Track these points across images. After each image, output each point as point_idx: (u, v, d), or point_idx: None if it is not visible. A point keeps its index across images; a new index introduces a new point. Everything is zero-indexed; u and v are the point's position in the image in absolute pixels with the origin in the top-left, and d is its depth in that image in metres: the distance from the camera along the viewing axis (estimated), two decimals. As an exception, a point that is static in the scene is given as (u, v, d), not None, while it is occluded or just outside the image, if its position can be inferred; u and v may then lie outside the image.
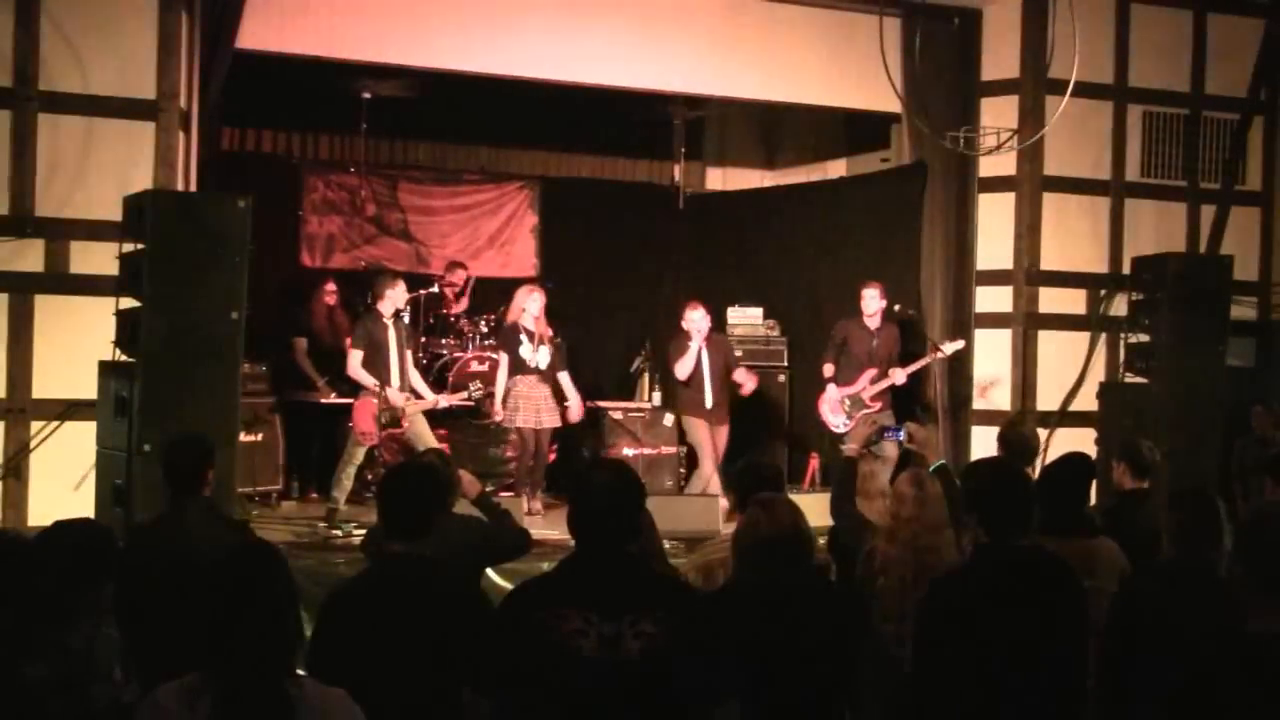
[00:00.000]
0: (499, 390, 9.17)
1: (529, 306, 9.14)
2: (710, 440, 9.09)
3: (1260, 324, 10.32)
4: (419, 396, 8.78)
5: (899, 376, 9.12)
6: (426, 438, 8.51)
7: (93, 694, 2.87)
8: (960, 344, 9.32)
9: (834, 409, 9.22)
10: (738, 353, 9.89)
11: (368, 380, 8.39)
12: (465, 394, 9.33)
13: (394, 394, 8.42)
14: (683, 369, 9.05)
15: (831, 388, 9.26)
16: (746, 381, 9.22)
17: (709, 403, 9.07)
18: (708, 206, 12.88)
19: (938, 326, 9.92)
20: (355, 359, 8.44)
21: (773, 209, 11.95)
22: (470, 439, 10.17)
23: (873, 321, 9.24)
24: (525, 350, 9.11)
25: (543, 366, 9.13)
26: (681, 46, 9.60)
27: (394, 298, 8.64)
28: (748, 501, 4.14)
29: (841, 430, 9.13)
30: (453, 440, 9.94)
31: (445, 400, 9.04)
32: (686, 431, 9.45)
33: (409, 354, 8.83)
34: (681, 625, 3.09)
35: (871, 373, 9.18)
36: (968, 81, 9.99)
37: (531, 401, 9.09)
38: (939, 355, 9.25)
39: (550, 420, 9.19)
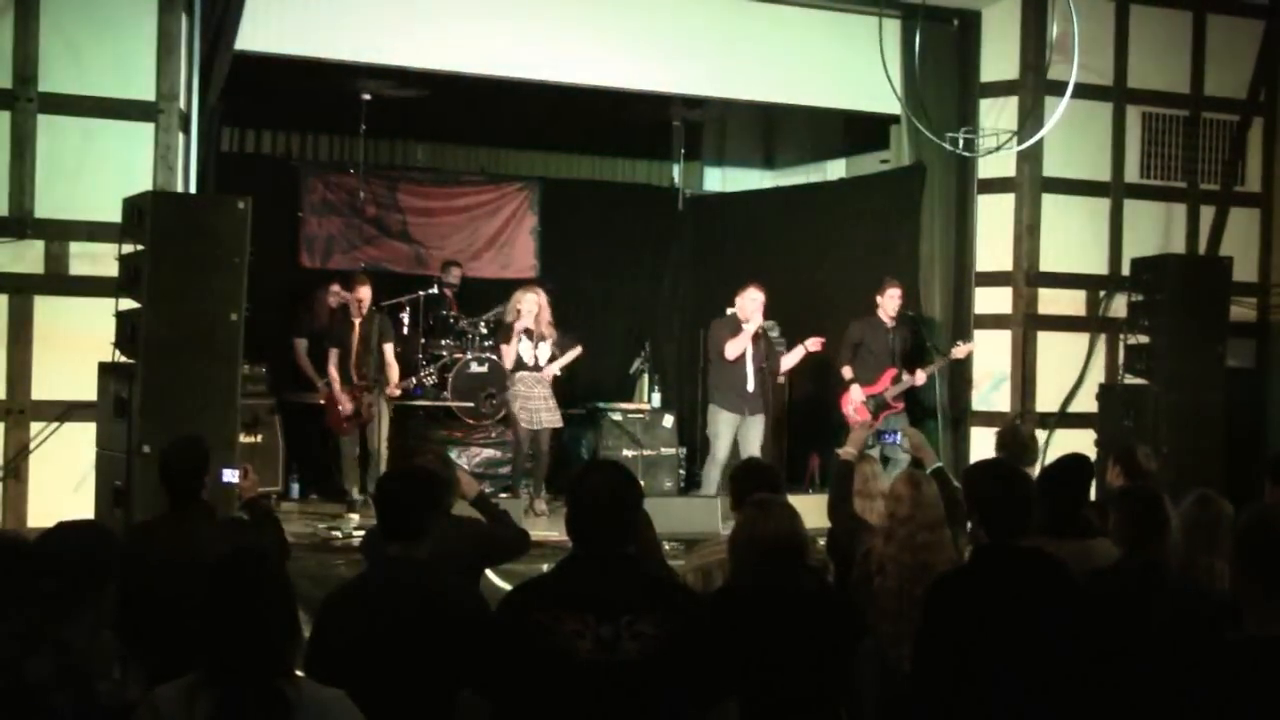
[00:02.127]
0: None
1: (525, 305, 9.18)
2: (731, 437, 8.93)
3: (1259, 325, 10.32)
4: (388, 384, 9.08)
5: (920, 378, 9.19)
6: (380, 433, 8.82)
7: (98, 691, 2.88)
8: (972, 345, 9.36)
9: (858, 409, 9.18)
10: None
11: (333, 378, 9.07)
12: (420, 376, 9.44)
13: (343, 399, 9.01)
14: (735, 348, 8.90)
15: (855, 388, 9.22)
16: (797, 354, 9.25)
17: (750, 386, 8.96)
18: (707, 207, 12.90)
19: (937, 327, 9.92)
20: (330, 358, 9.16)
21: (772, 210, 11.96)
22: (470, 440, 10.20)
23: (889, 320, 9.26)
24: (524, 348, 9.15)
25: (543, 365, 9.17)
26: (681, 47, 9.60)
27: (353, 298, 9.13)
28: (744, 502, 4.14)
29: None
30: (456, 440, 10.04)
31: (395, 390, 9.14)
32: (709, 422, 9.16)
33: (387, 346, 9.11)
34: (678, 627, 3.08)
35: (893, 373, 9.22)
36: (967, 83, 9.99)
37: (530, 401, 9.12)
38: (954, 356, 9.28)
39: (550, 420, 9.21)
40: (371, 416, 8.89)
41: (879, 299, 9.27)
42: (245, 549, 2.99)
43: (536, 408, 9.12)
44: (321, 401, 9.74)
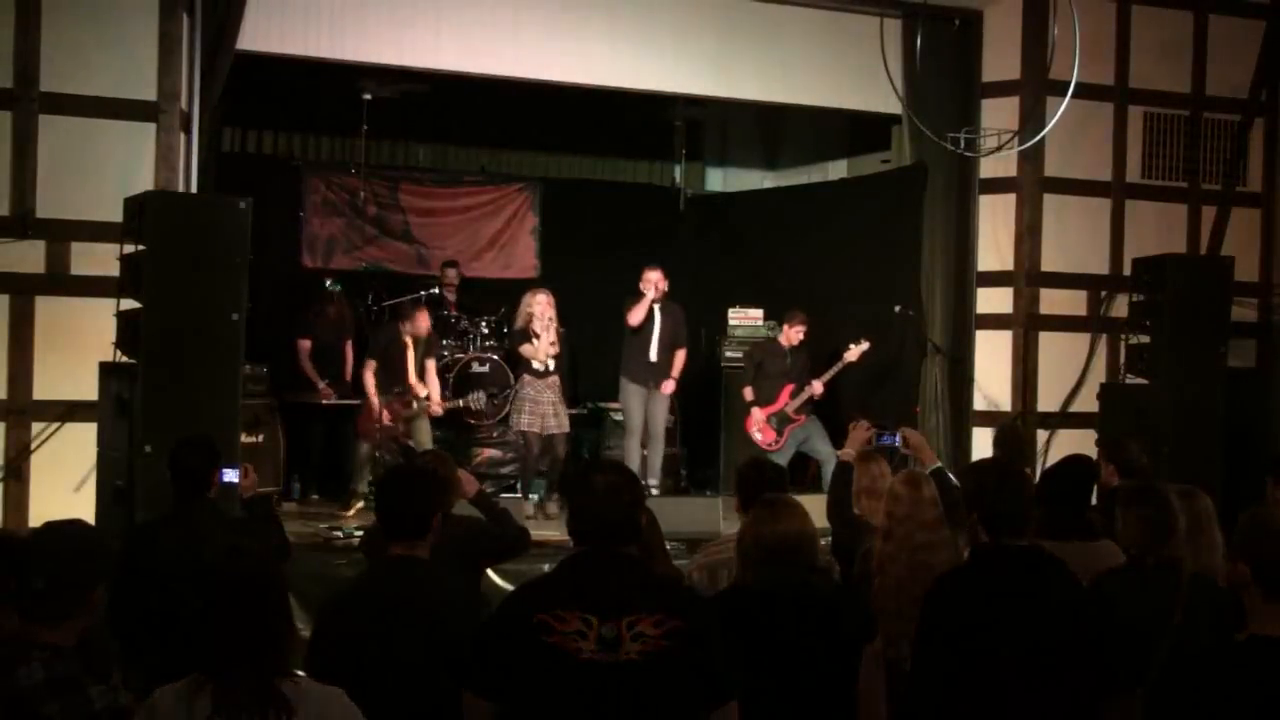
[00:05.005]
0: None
1: (536, 309, 9.14)
2: (642, 410, 9.27)
3: (1261, 325, 10.31)
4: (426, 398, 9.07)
5: (818, 387, 9.40)
6: (425, 442, 8.64)
7: (90, 696, 2.87)
8: (865, 345, 9.40)
9: (762, 429, 9.43)
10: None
11: (370, 390, 8.97)
12: (460, 401, 9.38)
13: (382, 412, 8.91)
14: (635, 315, 9.26)
15: (755, 411, 9.46)
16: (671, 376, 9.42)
17: (653, 356, 9.28)
18: (708, 208, 12.88)
19: (938, 327, 9.93)
20: (368, 370, 9.05)
21: (773, 210, 11.96)
22: (464, 440, 10.18)
23: (786, 345, 9.51)
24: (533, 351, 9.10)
25: (551, 367, 9.13)
26: (681, 47, 9.60)
27: (412, 329, 9.14)
28: (752, 502, 4.13)
29: (773, 449, 9.25)
30: (448, 441, 10.00)
31: (438, 408, 9.10)
32: (621, 395, 9.56)
33: (430, 362, 9.25)
34: (681, 628, 3.08)
35: (790, 388, 9.41)
36: (968, 83, 9.98)
37: (540, 406, 9.05)
38: (847, 359, 9.36)
39: (558, 425, 9.13)
40: (407, 430, 8.96)
41: (785, 327, 9.53)
42: (239, 549, 2.98)
43: (546, 413, 9.06)
44: (324, 402, 9.76)
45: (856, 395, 9.78)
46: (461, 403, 9.41)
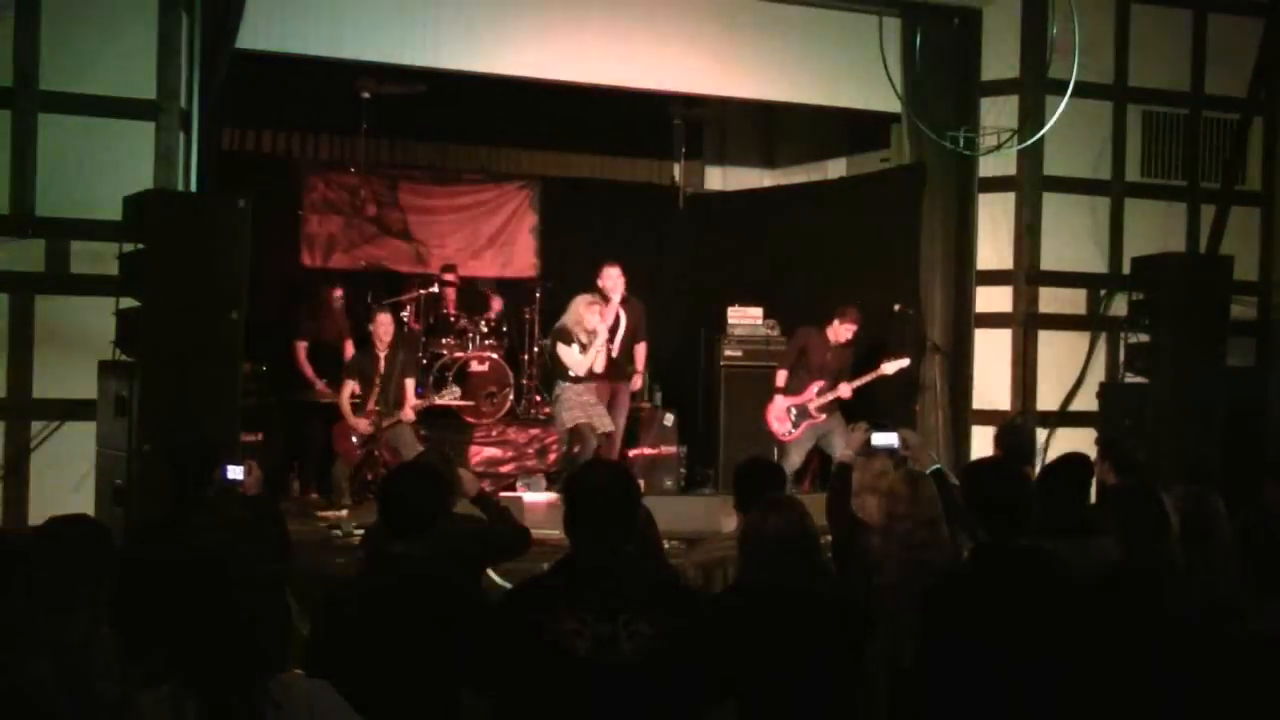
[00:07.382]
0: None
1: (588, 320, 8.86)
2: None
3: (1260, 324, 10.31)
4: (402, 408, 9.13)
5: (846, 390, 9.21)
6: (411, 444, 8.80)
7: (98, 690, 2.86)
8: (905, 362, 9.30)
9: (780, 418, 9.30)
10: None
11: (345, 410, 9.04)
12: (435, 399, 9.38)
13: (358, 422, 9.02)
14: (605, 317, 9.04)
15: (779, 398, 9.30)
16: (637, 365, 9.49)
17: (616, 355, 9.19)
18: (708, 206, 12.88)
19: (938, 326, 9.93)
20: (344, 390, 9.12)
21: (773, 209, 11.95)
22: (464, 439, 10.19)
23: (833, 341, 9.30)
24: (581, 358, 8.86)
25: (598, 369, 8.97)
26: (681, 46, 9.59)
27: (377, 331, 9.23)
28: (752, 501, 4.13)
29: (787, 439, 9.22)
30: (447, 441, 10.02)
31: (410, 414, 9.12)
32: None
33: (409, 381, 9.22)
34: (676, 626, 3.09)
35: (819, 384, 9.26)
36: (968, 81, 9.98)
37: (584, 405, 8.86)
38: (884, 370, 9.24)
39: (609, 424, 8.97)
40: (387, 440, 8.96)
41: (836, 321, 9.26)
42: (203, 556, 2.95)
43: (593, 414, 8.81)
44: (323, 401, 9.76)
45: (856, 394, 9.76)
46: (437, 399, 9.41)
